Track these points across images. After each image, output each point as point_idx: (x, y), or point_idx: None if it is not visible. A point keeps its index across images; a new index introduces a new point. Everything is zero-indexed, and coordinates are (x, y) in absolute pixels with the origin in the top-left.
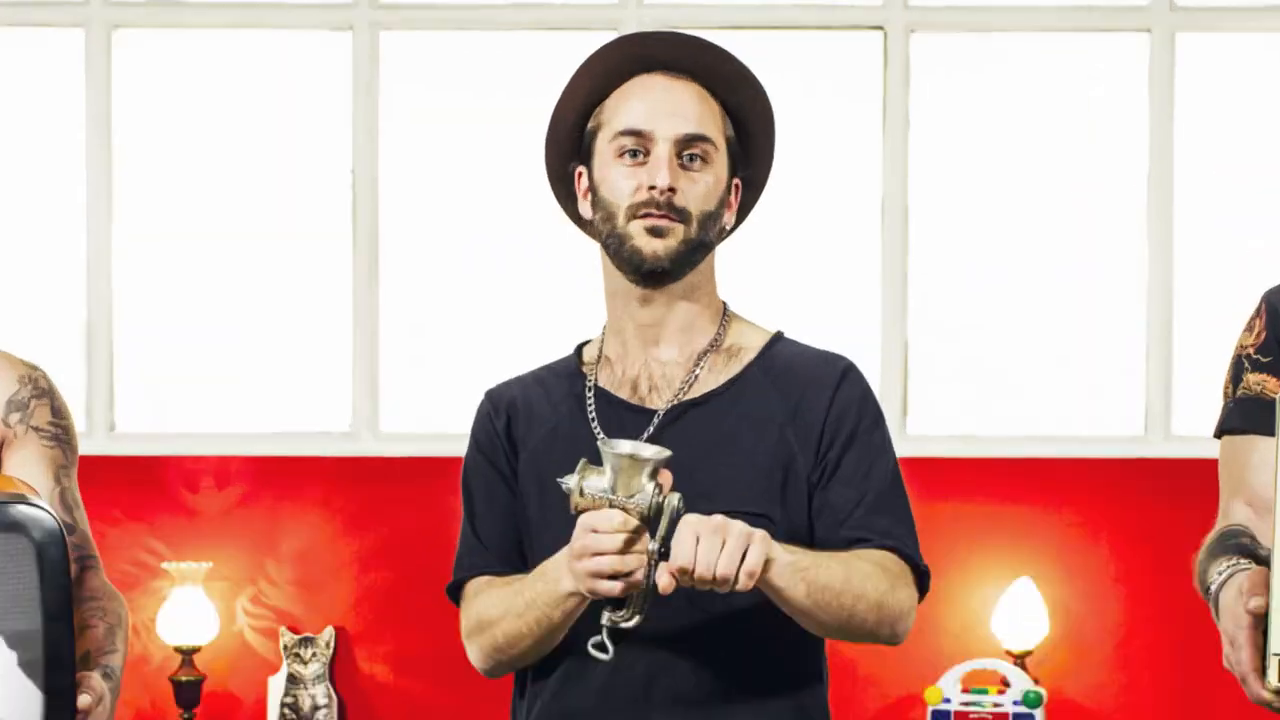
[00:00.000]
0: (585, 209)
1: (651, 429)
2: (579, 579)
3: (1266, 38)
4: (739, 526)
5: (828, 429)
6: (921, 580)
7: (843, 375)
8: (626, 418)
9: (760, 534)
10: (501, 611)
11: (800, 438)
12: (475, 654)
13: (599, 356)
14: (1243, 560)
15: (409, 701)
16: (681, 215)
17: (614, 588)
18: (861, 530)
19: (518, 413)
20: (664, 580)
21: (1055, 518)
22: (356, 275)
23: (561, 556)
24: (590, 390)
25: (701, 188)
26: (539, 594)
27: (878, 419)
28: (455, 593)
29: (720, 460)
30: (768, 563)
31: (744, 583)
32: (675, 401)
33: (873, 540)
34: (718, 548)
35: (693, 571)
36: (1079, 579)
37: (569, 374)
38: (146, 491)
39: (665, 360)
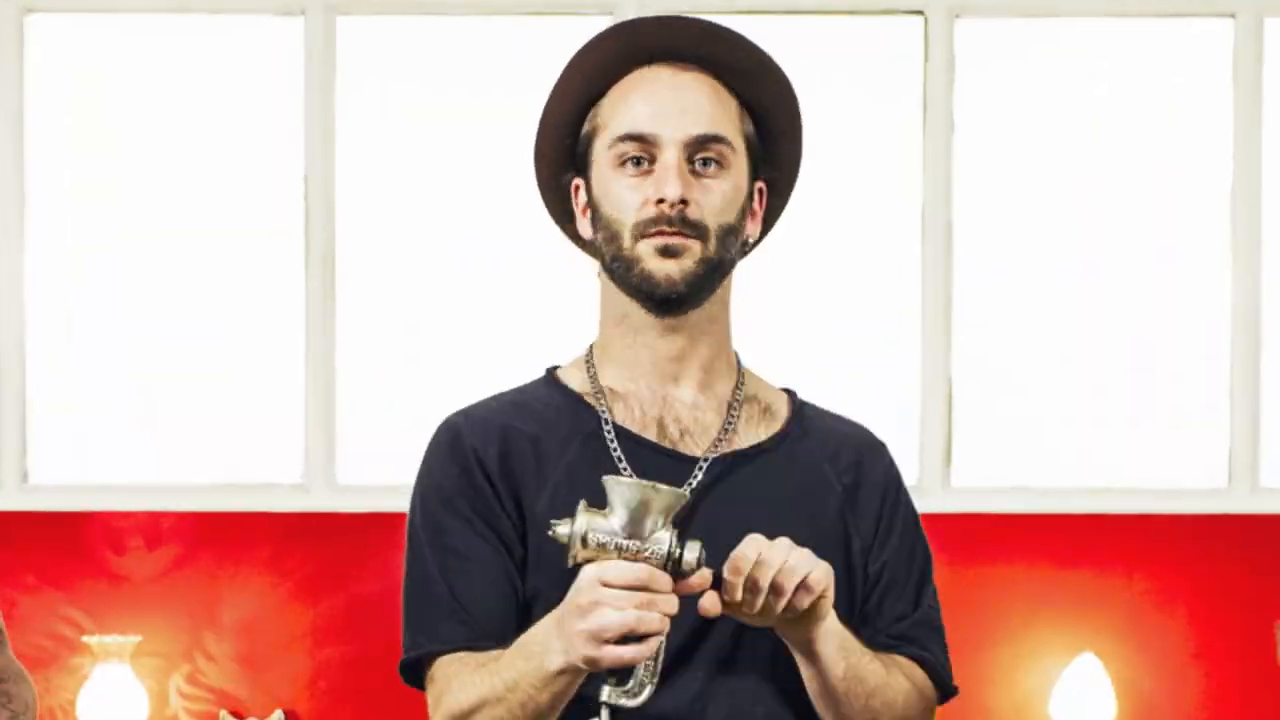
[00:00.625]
0: (585, 228)
1: (695, 481)
2: (575, 646)
3: None
4: (805, 549)
5: (885, 513)
6: (943, 699)
7: (888, 455)
8: (663, 464)
9: (825, 565)
10: (478, 699)
11: (856, 514)
12: None
13: (596, 388)
14: None
15: None
16: (697, 231)
17: (623, 655)
18: (904, 637)
19: (518, 446)
20: (710, 601)
21: (1123, 583)
22: (309, 301)
23: (549, 625)
24: (609, 427)
25: (718, 197)
26: (521, 674)
27: (911, 506)
28: (413, 672)
29: (781, 524)
30: (817, 621)
31: (800, 599)
32: (719, 452)
33: (912, 651)
34: (781, 557)
35: (748, 573)
36: (1151, 655)
37: (570, 405)
38: (65, 553)
39: (690, 402)
